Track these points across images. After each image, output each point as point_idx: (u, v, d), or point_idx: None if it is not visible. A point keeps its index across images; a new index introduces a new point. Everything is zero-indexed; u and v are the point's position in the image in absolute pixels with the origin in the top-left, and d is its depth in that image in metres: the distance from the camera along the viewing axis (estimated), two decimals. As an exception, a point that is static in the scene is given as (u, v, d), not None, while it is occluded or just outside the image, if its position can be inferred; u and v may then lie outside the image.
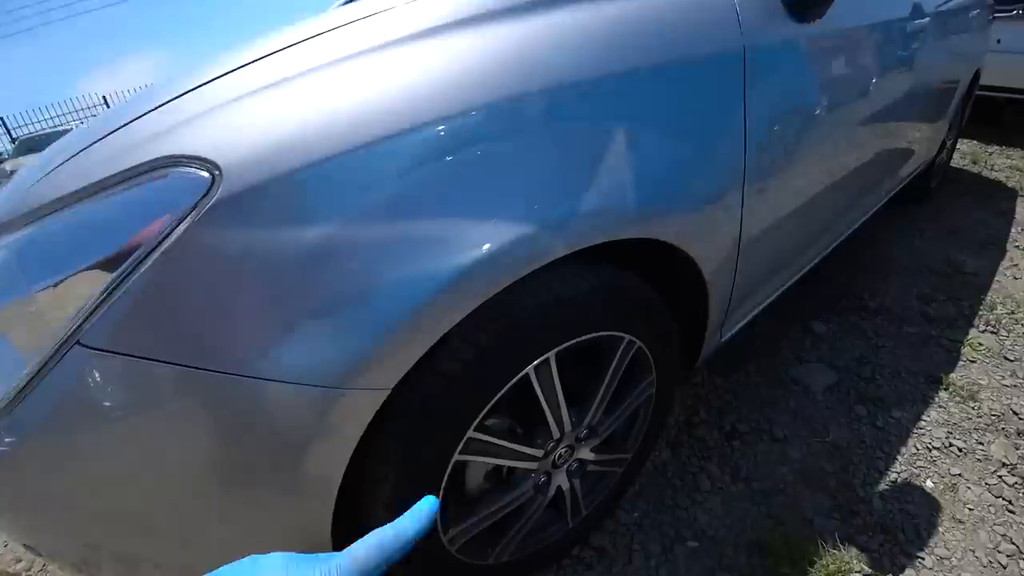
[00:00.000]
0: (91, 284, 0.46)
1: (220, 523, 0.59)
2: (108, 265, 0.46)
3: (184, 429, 0.51)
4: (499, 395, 0.69)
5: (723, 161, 0.84)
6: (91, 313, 0.46)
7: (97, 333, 0.46)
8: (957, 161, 3.70)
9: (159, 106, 0.55)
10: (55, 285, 0.47)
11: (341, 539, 0.67)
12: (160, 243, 0.46)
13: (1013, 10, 4.13)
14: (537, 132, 0.63)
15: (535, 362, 0.71)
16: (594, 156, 0.68)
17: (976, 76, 2.78)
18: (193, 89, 0.56)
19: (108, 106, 14.84)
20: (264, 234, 0.49)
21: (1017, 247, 2.40)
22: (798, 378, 1.54)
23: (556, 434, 0.83)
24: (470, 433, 0.69)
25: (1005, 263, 2.25)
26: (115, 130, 0.54)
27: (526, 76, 0.62)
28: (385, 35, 0.61)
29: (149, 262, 0.46)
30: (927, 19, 1.61)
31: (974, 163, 3.65)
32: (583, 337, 0.76)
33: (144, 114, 0.55)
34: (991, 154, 3.85)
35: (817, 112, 1.09)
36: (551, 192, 0.63)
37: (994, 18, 3.22)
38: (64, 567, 0.67)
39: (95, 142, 0.54)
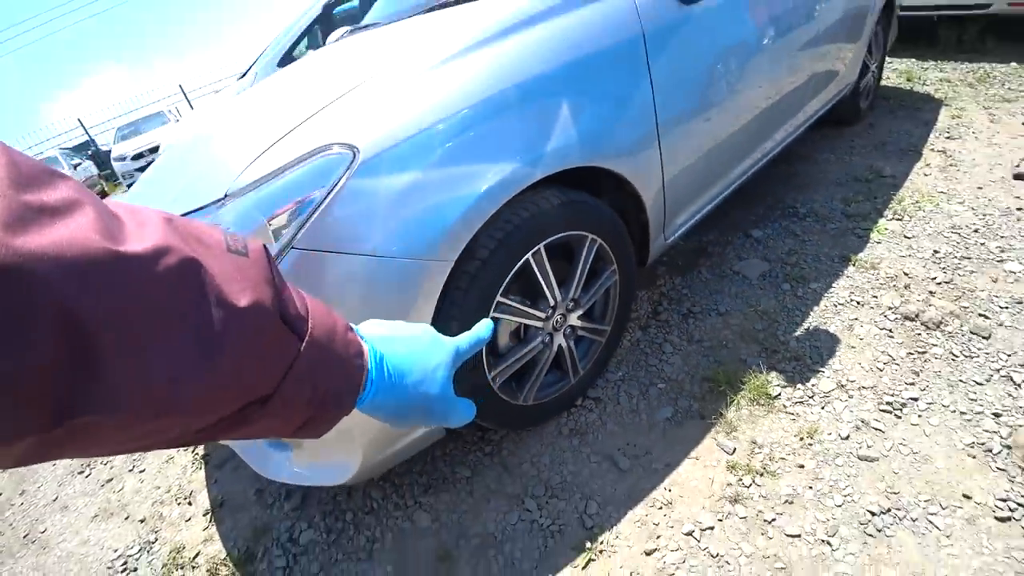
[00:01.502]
0: (294, 218, 0.90)
1: None
2: (305, 203, 0.90)
3: (347, 289, 0.94)
4: (512, 272, 1.13)
5: (638, 111, 1.28)
6: (298, 231, 0.90)
7: (302, 240, 0.90)
8: (893, 80, 4.08)
9: (313, 115, 0.99)
10: (276, 216, 0.90)
11: None
12: (333, 189, 0.90)
13: (937, -69, 4.43)
14: (519, 107, 1.06)
15: (531, 251, 1.15)
16: (554, 117, 1.11)
17: (889, 2, 3.13)
18: (329, 105, 1.00)
19: (84, 126, 15.48)
20: (383, 180, 0.92)
21: (932, 150, 2.81)
22: (739, 270, 1.99)
23: (551, 302, 1.28)
24: (498, 298, 1.13)
25: (919, 165, 2.67)
26: (292, 130, 0.98)
27: (510, 75, 1.06)
28: (420, 63, 1.04)
29: (328, 200, 0.90)
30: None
31: (908, 80, 4.02)
32: (559, 235, 1.20)
33: (305, 120, 0.99)
34: (926, 69, 4.22)
35: (714, 65, 1.51)
36: (529, 141, 1.07)
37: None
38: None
39: (278, 140, 0.97)
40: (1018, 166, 2.48)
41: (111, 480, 1.92)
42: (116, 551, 1.61)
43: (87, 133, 16.52)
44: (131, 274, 0.25)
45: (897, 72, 4.23)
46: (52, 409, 0.23)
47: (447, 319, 1.05)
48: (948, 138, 2.93)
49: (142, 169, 12.06)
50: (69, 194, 0.26)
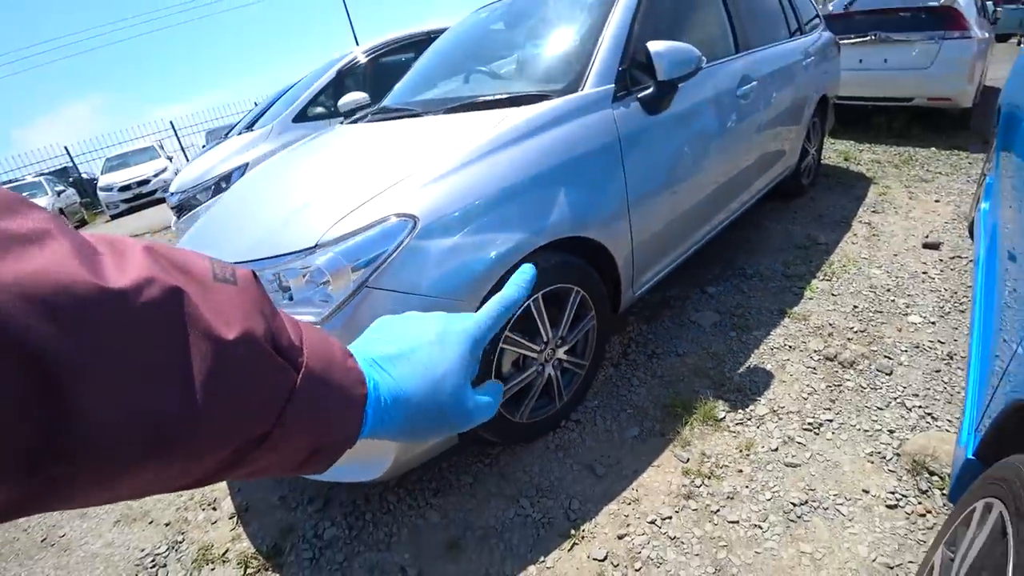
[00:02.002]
0: (369, 265, 1.25)
1: None
2: (378, 255, 1.24)
3: None
4: (518, 312, 1.48)
5: (613, 195, 1.68)
6: (371, 274, 1.24)
7: (373, 281, 1.24)
8: (833, 159, 4.68)
9: (384, 191, 1.35)
10: (357, 263, 1.24)
11: None
12: (398, 247, 1.25)
13: (868, 35, 5.17)
14: (529, 193, 1.45)
15: (532, 298, 1.51)
16: (553, 200, 1.50)
17: (824, 99, 3.71)
18: (396, 184, 1.37)
19: (69, 153, 15.72)
20: (432, 242, 1.28)
21: (860, 222, 3.31)
22: (695, 320, 2.38)
23: (545, 339, 1.63)
24: (507, 332, 1.48)
25: (848, 234, 3.15)
26: (369, 200, 1.34)
27: (524, 169, 1.45)
28: (459, 157, 1.42)
29: (394, 254, 1.25)
30: (754, 83, 2.51)
31: (846, 160, 4.63)
32: (553, 286, 1.57)
33: (379, 194, 1.35)
34: (861, 151, 4.86)
35: (673, 157, 1.94)
36: (535, 218, 1.45)
37: (840, 47, 4.21)
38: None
39: (359, 207, 1.33)
40: (927, 237, 2.98)
41: None
42: (143, 550, 1.81)
43: (72, 161, 16.64)
44: (109, 307, 0.23)
45: (837, 152, 4.85)
46: (26, 459, 0.21)
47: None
48: (874, 212, 3.45)
49: (128, 200, 12.22)
50: (41, 224, 0.24)
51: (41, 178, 13.33)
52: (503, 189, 1.42)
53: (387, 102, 2.51)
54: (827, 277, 2.67)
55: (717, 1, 2.52)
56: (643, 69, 1.82)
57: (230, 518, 1.85)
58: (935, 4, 4.91)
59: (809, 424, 1.74)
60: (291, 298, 1.34)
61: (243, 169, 3.90)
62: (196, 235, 1.95)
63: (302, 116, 4.15)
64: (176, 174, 13.35)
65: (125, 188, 12.38)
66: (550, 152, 1.54)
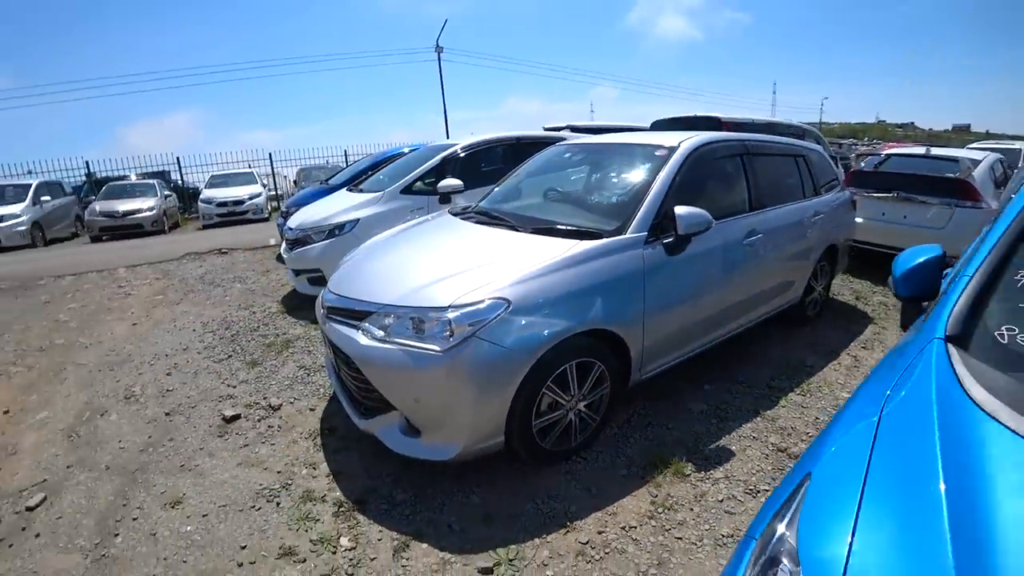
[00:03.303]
0: (477, 324, 2.10)
1: (477, 399, 2.16)
2: (485, 320, 2.10)
3: (493, 357, 2.10)
4: (556, 372, 2.29)
5: (634, 308, 2.51)
6: (478, 330, 2.08)
7: (479, 334, 2.09)
8: (847, 297, 5.34)
9: (493, 280, 2.23)
10: (468, 324, 2.09)
11: (510, 419, 2.26)
12: (496, 316, 2.10)
13: (892, 193, 5.94)
14: (578, 297, 2.31)
15: (569, 363, 2.32)
16: (592, 303, 2.35)
17: (833, 247, 4.46)
18: (499, 277, 2.25)
19: (179, 163, 17.91)
20: (515, 316, 2.14)
21: (848, 354, 3.98)
22: (688, 406, 3.11)
23: (572, 393, 2.42)
24: (547, 384, 2.28)
25: (833, 363, 3.83)
26: (484, 285, 2.20)
27: (575, 282, 2.32)
28: (537, 264, 2.29)
29: (494, 320, 2.11)
30: (760, 235, 3.33)
31: (857, 299, 5.30)
32: (582, 359, 2.38)
33: (490, 282, 2.24)
34: (874, 293, 5.51)
35: (683, 286, 2.77)
36: (579, 313, 2.30)
37: (856, 203, 4.99)
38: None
39: (478, 288, 2.20)
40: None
41: (247, 445, 2.92)
42: (261, 485, 2.58)
43: (180, 170, 18.84)
44: None
45: (852, 291, 5.52)
46: None
47: (523, 384, 2.21)
48: (863, 347, 4.11)
49: (222, 216, 13.85)
50: None
51: (155, 181, 15.23)
52: (563, 293, 2.27)
53: (486, 205, 3.46)
54: (803, 393, 3.36)
55: (739, 172, 3.40)
56: (669, 223, 2.67)
57: (326, 476, 2.63)
58: (952, 176, 5.67)
59: (750, 490, 2.43)
60: (420, 332, 2.19)
61: (355, 223, 4.93)
62: (347, 276, 2.86)
63: (407, 189, 5.22)
64: (265, 199, 14.96)
65: (222, 204, 14.09)
66: (596, 274, 2.40)
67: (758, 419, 3.03)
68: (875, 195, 6.01)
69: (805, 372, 3.65)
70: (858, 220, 5.53)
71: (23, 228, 11.76)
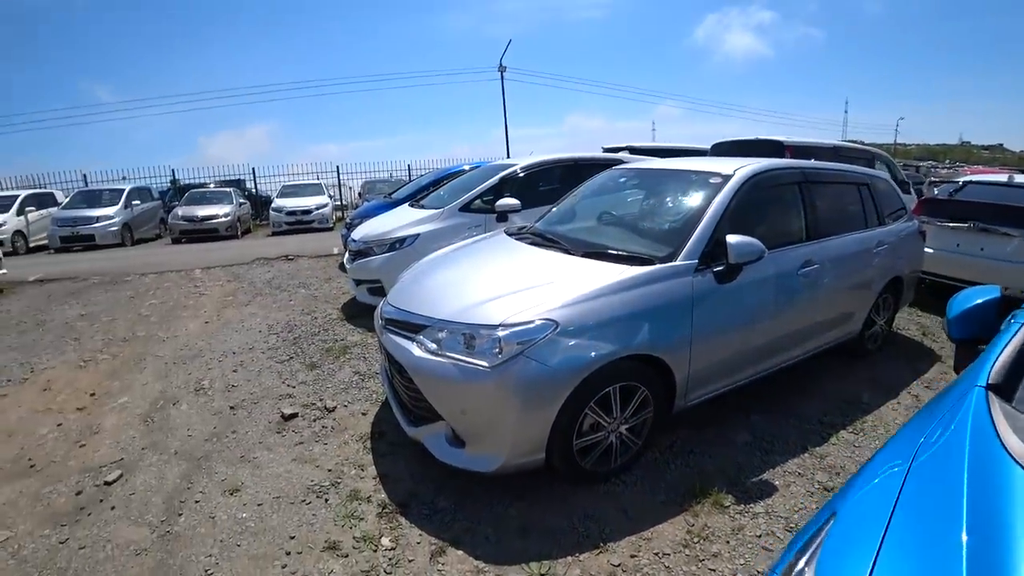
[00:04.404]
0: (525, 343, 2.19)
1: (520, 415, 2.24)
2: (534, 340, 2.19)
3: (536, 374, 2.18)
4: (600, 393, 2.34)
5: (681, 334, 2.53)
6: (526, 348, 2.17)
7: (527, 352, 2.17)
8: (913, 332, 5.09)
9: (542, 302, 2.33)
10: (517, 343, 2.18)
11: (552, 437, 2.32)
12: (545, 336, 2.20)
13: (968, 223, 5.62)
14: (627, 322, 2.36)
15: (611, 386, 2.37)
16: (640, 328, 2.39)
17: (896, 280, 4.27)
18: (548, 299, 2.34)
19: (254, 173, 19.14)
20: (563, 338, 2.21)
21: (908, 393, 3.81)
22: (732, 437, 3.07)
23: (616, 415, 2.46)
24: (590, 404, 2.34)
25: (892, 401, 3.67)
26: (534, 306, 2.29)
27: (626, 307, 2.38)
28: (589, 289, 2.37)
29: (541, 340, 2.20)
30: (815, 265, 3.26)
31: (924, 335, 5.05)
32: (626, 382, 2.42)
33: (540, 303, 2.33)
34: (942, 329, 5.23)
35: (731, 315, 2.76)
36: (626, 337, 2.36)
37: (925, 235, 4.77)
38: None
39: (528, 309, 2.29)
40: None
41: (302, 443, 3.12)
42: (312, 481, 2.75)
43: (254, 180, 20.07)
44: None
45: (918, 326, 5.26)
46: None
47: (566, 404, 2.27)
48: (926, 387, 3.92)
49: (290, 224, 14.61)
50: None
51: (231, 189, 16.27)
52: (610, 317, 2.32)
53: (540, 227, 3.55)
54: (855, 431, 3.25)
55: (797, 201, 3.35)
56: (720, 251, 2.67)
57: (373, 478, 2.77)
58: (1040, 204, 5.29)
59: (791, 527, 2.39)
60: (471, 348, 2.30)
61: (415, 238, 5.14)
62: (405, 291, 3.01)
63: (466, 207, 5.40)
64: (331, 209, 15.70)
65: (291, 213, 14.86)
66: (646, 299, 2.44)
67: (805, 455, 2.95)
68: (949, 225, 5.71)
69: (860, 409, 3.52)
70: (928, 251, 5.27)
71: (115, 229, 12.84)
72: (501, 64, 26.81)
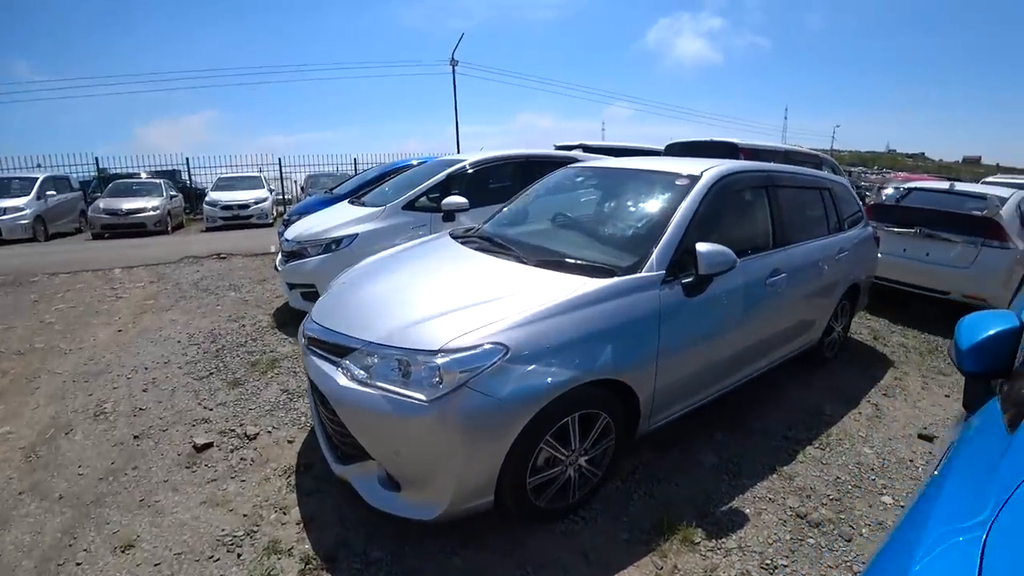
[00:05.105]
0: (470, 372, 1.86)
1: (465, 456, 1.92)
2: (479, 367, 1.86)
3: (483, 409, 1.86)
4: (557, 425, 2.05)
5: (646, 352, 2.26)
6: (471, 378, 1.85)
7: (470, 384, 1.85)
8: (863, 336, 5.08)
9: (488, 324, 1.98)
10: (460, 372, 1.86)
11: (502, 477, 2.00)
12: (492, 364, 1.87)
13: (914, 228, 5.67)
14: (587, 343, 2.06)
15: (569, 416, 2.07)
16: (602, 350, 2.10)
17: (854, 286, 4.20)
18: (498, 321, 2.00)
19: (188, 164, 18.17)
20: (513, 365, 1.89)
21: (868, 401, 3.72)
22: (698, 458, 2.85)
23: (573, 447, 2.17)
24: (545, 438, 2.04)
25: (854, 411, 3.56)
26: (477, 328, 1.96)
27: (585, 326, 2.08)
28: (544, 310, 2.05)
29: (489, 368, 1.86)
30: (783, 274, 3.08)
31: (875, 339, 5.04)
32: (586, 410, 2.13)
33: (485, 325, 1.98)
34: (892, 333, 5.25)
35: (698, 329, 2.52)
36: (586, 362, 2.05)
37: (879, 240, 4.74)
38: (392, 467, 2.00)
39: (470, 332, 1.95)
40: (925, 428, 3.36)
41: (215, 480, 2.68)
42: (224, 531, 2.32)
43: (188, 171, 18.85)
44: None
45: (869, 330, 5.26)
46: None
47: (519, 440, 1.96)
48: (884, 395, 3.85)
49: (225, 219, 13.73)
50: None
51: (162, 181, 15.15)
52: (569, 339, 2.03)
53: (490, 230, 3.23)
54: (821, 446, 3.09)
55: (764, 206, 3.16)
56: (689, 260, 2.43)
57: (296, 523, 2.38)
58: (978, 214, 5.40)
59: (766, 565, 2.17)
60: (406, 377, 1.96)
61: (353, 238, 4.71)
62: (331, 304, 2.63)
63: (410, 205, 5.00)
64: (271, 204, 14.88)
65: (227, 207, 13.96)
66: (607, 317, 2.16)
67: (774, 476, 2.76)
68: (896, 230, 5.76)
69: (824, 422, 3.38)
70: (878, 255, 5.28)
71: (25, 222, 11.64)
72: (453, 58, 26.30)
